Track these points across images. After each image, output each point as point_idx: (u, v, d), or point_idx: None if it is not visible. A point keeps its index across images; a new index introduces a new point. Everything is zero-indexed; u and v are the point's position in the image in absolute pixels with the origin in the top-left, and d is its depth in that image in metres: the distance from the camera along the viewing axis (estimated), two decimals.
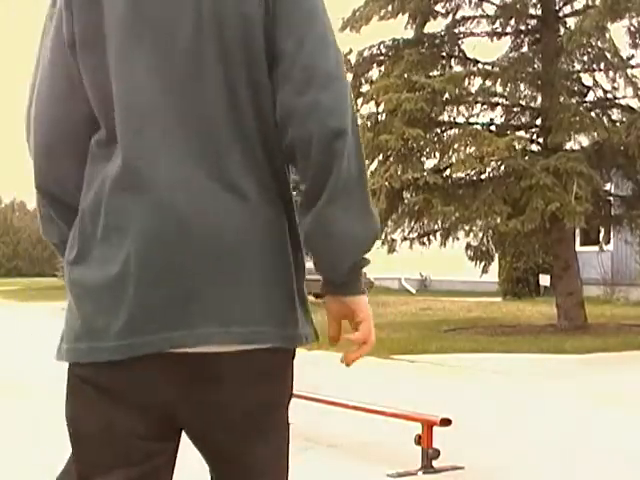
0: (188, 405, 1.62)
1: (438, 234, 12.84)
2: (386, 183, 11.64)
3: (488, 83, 12.61)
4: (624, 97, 12.63)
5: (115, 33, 1.60)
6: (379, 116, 12.33)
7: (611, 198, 13.49)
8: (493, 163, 11.87)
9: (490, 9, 13.04)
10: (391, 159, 12.00)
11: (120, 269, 1.54)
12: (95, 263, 1.59)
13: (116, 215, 1.57)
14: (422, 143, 11.87)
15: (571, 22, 12.62)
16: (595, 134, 11.83)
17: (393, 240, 12.72)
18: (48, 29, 1.70)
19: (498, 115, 13.17)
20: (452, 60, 13.24)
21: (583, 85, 12.92)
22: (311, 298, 1.73)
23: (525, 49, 13.11)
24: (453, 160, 12.08)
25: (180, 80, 1.59)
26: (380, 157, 12.24)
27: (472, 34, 13.22)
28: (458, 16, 13.13)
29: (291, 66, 1.58)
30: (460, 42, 13.26)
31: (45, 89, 1.74)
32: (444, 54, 13.24)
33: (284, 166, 1.71)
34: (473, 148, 11.62)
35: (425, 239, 13.08)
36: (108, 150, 1.61)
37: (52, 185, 1.72)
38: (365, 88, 12.98)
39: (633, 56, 12.41)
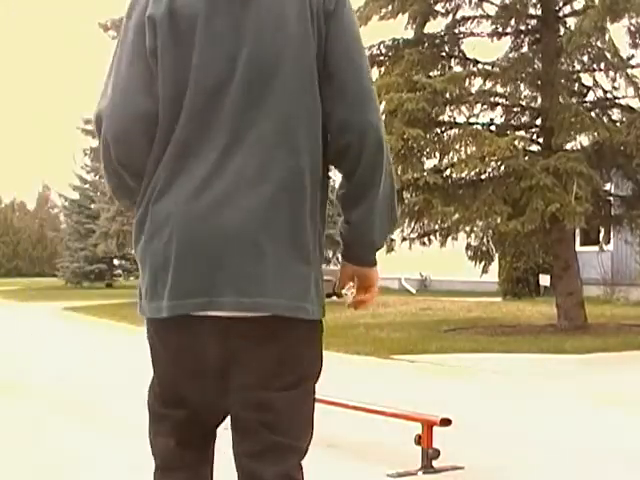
0: (217, 351, 2.05)
1: (438, 234, 12.84)
2: None
3: (488, 83, 12.61)
4: (624, 97, 12.63)
5: (194, 55, 2.01)
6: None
7: (611, 198, 13.49)
8: (493, 163, 11.86)
9: (490, 9, 13.04)
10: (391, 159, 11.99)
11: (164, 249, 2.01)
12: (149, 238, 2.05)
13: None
14: (422, 143, 11.86)
15: (571, 22, 12.61)
16: (595, 134, 11.82)
17: (392, 240, 12.71)
18: (126, 38, 2.10)
19: (498, 115, 13.16)
20: (452, 60, 13.23)
21: (583, 85, 12.92)
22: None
23: (525, 49, 13.10)
24: (454, 160, 12.06)
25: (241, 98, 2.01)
26: None
27: (472, 34, 13.22)
28: (458, 16, 13.12)
29: (344, 89, 2.04)
30: (460, 42, 13.26)
31: (123, 85, 2.05)
32: (444, 54, 13.23)
33: (317, 165, 2.08)
34: (474, 148, 11.61)
35: (425, 239, 13.07)
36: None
37: (131, 160, 2.08)
38: None
39: (633, 56, 12.40)
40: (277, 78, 2.01)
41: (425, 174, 11.86)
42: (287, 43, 2.01)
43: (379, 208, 2.13)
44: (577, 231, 14.58)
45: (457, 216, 11.95)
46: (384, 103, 12.11)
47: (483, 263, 13.14)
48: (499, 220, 11.66)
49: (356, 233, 2.18)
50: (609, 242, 15.56)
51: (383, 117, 12.14)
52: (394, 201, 2.19)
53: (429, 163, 12.53)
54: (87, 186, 37.50)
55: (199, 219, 1.97)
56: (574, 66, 12.61)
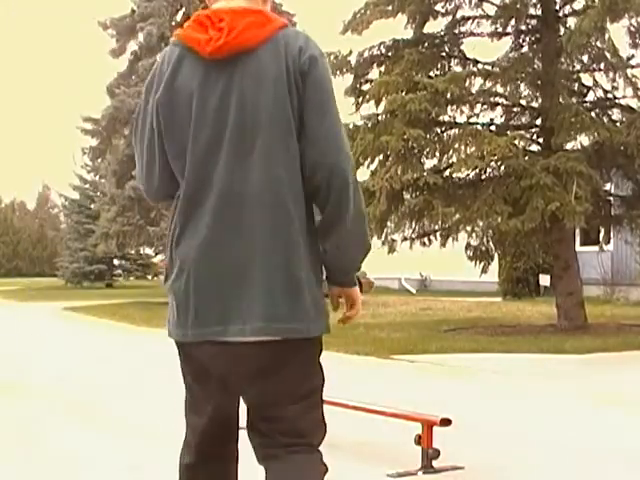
0: (232, 374, 2.47)
1: (438, 234, 12.83)
2: (386, 184, 11.62)
3: (488, 83, 12.60)
4: (624, 97, 12.63)
5: (191, 124, 2.46)
6: (379, 117, 12.30)
7: (611, 198, 13.48)
8: (493, 163, 11.85)
9: (490, 9, 13.03)
10: (391, 159, 11.98)
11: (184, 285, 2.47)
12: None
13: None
14: (422, 143, 11.85)
15: (571, 22, 12.60)
16: (595, 134, 11.81)
17: (393, 241, 12.71)
18: (145, 121, 2.57)
19: (498, 115, 13.16)
20: (452, 60, 13.23)
21: (583, 85, 12.91)
22: None
23: (525, 49, 13.10)
24: (454, 160, 12.06)
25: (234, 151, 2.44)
26: (380, 157, 12.22)
27: (472, 34, 13.21)
28: (458, 16, 13.12)
29: (316, 136, 2.43)
30: (460, 42, 13.25)
31: (147, 170, 2.60)
32: (444, 54, 13.23)
33: (302, 202, 2.46)
34: (474, 148, 11.61)
35: (425, 239, 13.07)
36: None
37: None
38: (366, 87, 12.96)
39: (633, 56, 12.40)
40: (259, 137, 2.43)
41: (425, 174, 11.85)
42: (267, 105, 2.43)
43: (347, 240, 2.50)
44: (577, 231, 14.57)
45: (457, 216, 11.95)
46: (385, 103, 12.11)
47: (483, 263, 13.14)
48: (499, 220, 11.65)
49: (329, 260, 2.54)
50: (609, 242, 15.55)
51: (384, 117, 12.16)
52: (364, 234, 2.55)
53: (429, 163, 12.53)
54: (87, 186, 37.50)
55: (208, 262, 2.42)
56: (574, 66, 12.60)
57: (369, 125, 12.23)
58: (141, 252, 33.20)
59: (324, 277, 2.57)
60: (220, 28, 2.48)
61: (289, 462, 2.47)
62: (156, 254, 29.50)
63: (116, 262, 37.17)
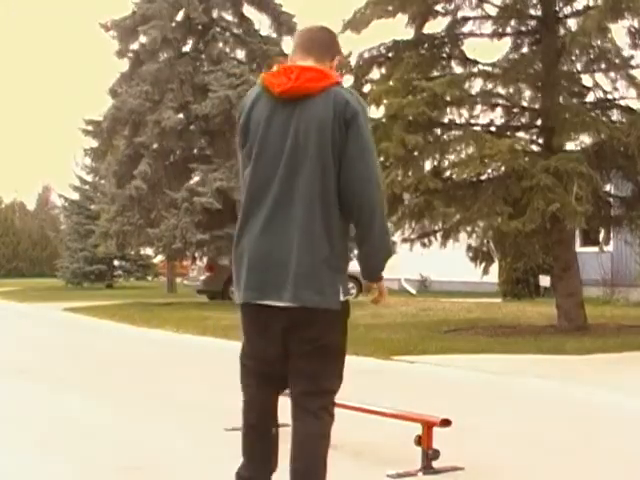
0: (269, 325, 3.51)
1: (439, 235, 12.83)
2: (387, 190, 11.61)
3: (489, 84, 12.59)
4: (623, 98, 12.62)
5: (256, 145, 3.47)
6: (379, 122, 12.27)
7: (611, 199, 13.47)
8: (493, 164, 11.84)
9: (491, 10, 13.03)
10: (390, 160, 11.97)
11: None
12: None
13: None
14: (422, 148, 11.83)
15: (571, 23, 12.61)
16: (596, 135, 11.80)
17: (393, 242, 12.71)
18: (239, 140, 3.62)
19: (498, 116, 13.15)
20: (452, 61, 13.22)
21: (583, 86, 12.91)
22: None
23: (525, 50, 13.09)
24: (455, 161, 12.04)
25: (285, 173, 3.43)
26: (381, 159, 12.21)
27: (473, 35, 13.20)
28: (458, 16, 13.11)
29: (353, 176, 3.38)
30: (460, 43, 13.24)
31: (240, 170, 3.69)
32: (444, 55, 13.22)
33: (334, 218, 3.45)
34: (474, 150, 11.60)
35: (425, 240, 13.06)
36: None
37: None
38: (366, 88, 12.95)
39: (633, 57, 12.39)
40: (305, 165, 3.39)
41: (426, 178, 11.81)
42: (315, 138, 3.37)
43: (373, 250, 3.51)
44: (577, 232, 14.57)
45: (458, 217, 11.94)
46: (383, 108, 12.10)
47: (484, 264, 13.14)
48: (499, 220, 11.64)
49: (362, 263, 3.58)
50: (609, 243, 15.55)
51: (383, 122, 12.15)
52: (386, 246, 3.54)
53: (429, 165, 12.51)
54: (87, 187, 37.49)
55: (257, 252, 3.50)
56: (575, 67, 12.60)
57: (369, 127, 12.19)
58: (141, 253, 33.18)
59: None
60: (289, 77, 3.43)
61: (316, 401, 3.51)
62: (156, 255, 29.47)
63: (116, 263, 37.15)
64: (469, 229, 12.35)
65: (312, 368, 3.46)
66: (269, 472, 3.74)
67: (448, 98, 11.85)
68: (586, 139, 12.22)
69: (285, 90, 3.41)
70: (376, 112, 12.47)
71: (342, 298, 3.47)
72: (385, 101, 11.83)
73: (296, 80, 3.40)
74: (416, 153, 11.92)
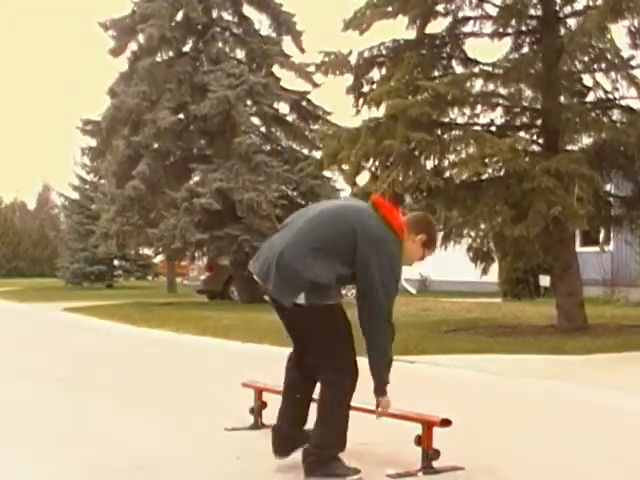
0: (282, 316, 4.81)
1: (439, 235, 12.81)
2: (389, 189, 11.59)
3: (489, 84, 12.58)
4: (624, 98, 12.61)
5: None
6: (381, 120, 12.25)
7: (611, 199, 13.46)
8: (494, 165, 11.82)
9: (491, 10, 13.02)
10: (393, 163, 11.95)
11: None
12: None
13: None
14: (425, 146, 11.81)
15: (571, 22, 12.59)
16: (596, 135, 11.79)
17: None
18: None
19: (499, 116, 13.13)
20: (453, 61, 13.21)
21: (584, 85, 12.89)
22: None
23: (526, 50, 13.08)
24: (455, 161, 12.02)
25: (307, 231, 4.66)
26: (382, 158, 12.20)
27: (473, 35, 13.19)
28: (459, 17, 13.10)
29: (367, 270, 4.54)
30: (461, 43, 13.23)
31: None
32: (445, 55, 13.20)
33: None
34: (475, 150, 11.58)
35: None
36: None
37: None
38: (366, 88, 12.94)
39: (633, 56, 12.37)
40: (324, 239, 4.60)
41: (427, 178, 11.80)
42: (333, 234, 4.57)
43: (372, 348, 4.67)
44: (577, 232, 14.56)
45: (460, 220, 11.92)
46: (386, 107, 12.08)
47: (484, 264, 13.13)
48: (500, 220, 11.63)
49: (370, 367, 4.69)
50: (609, 243, 15.54)
51: (385, 120, 12.11)
52: (385, 349, 4.72)
53: (430, 165, 12.49)
54: (87, 186, 37.48)
55: (263, 257, 4.70)
56: (575, 67, 12.58)
57: (371, 128, 12.18)
58: (141, 253, 33.19)
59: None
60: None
61: (323, 385, 4.68)
62: (156, 255, 29.46)
63: (116, 263, 37.15)
64: (473, 234, 12.34)
65: (316, 344, 4.72)
66: (293, 425, 4.90)
67: (450, 98, 11.84)
68: (586, 140, 12.20)
69: None
70: (377, 112, 12.48)
71: (303, 302, 4.50)
72: (388, 102, 11.80)
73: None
74: (417, 152, 11.89)
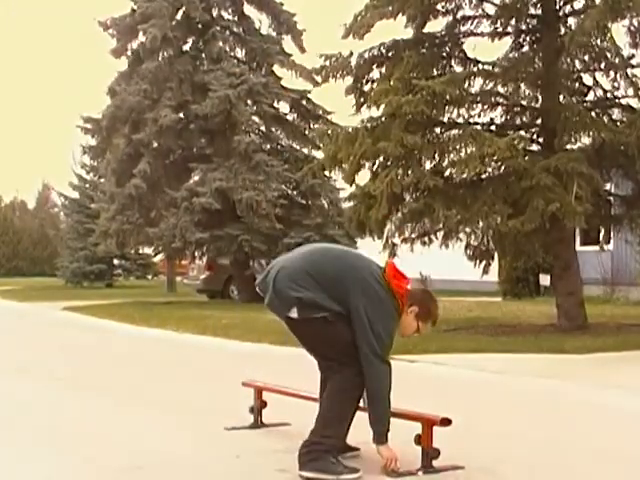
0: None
1: (439, 234, 12.81)
2: (387, 188, 11.59)
3: (489, 83, 12.57)
4: (624, 97, 12.60)
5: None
6: (378, 121, 12.25)
7: (611, 198, 13.46)
8: (493, 163, 11.82)
9: (490, 9, 13.01)
10: (389, 162, 11.95)
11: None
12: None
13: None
14: (421, 148, 11.80)
15: (571, 22, 12.58)
16: (596, 134, 11.79)
17: (394, 245, 12.69)
18: None
19: (498, 115, 13.13)
20: (453, 60, 13.20)
21: (583, 85, 12.89)
22: None
23: (526, 49, 13.07)
24: (454, 160, 12.01)
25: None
26: (381, 159, 12.19)
27: (473, 34, 13.18)
28: (458, 16, 13.09)
29: (358, 313, 4.73)
30: (461, 42, 13.22)
31: None
32: (444, 54, 13.19)
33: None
34: (474, 148, 11.57)
35: (426, 239, 13.04)
36: None
37: None
38: (366, 88, 12.93)
39: (633, 56, 12.37)
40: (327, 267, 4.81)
41: (425, 176, 11.79)
42: (332, 273, 4.77)
43: (371, 397, 4.76)
44: (577, 231, 14.55)
45: (458, 217, 11.92)
46: (383, 107, 12.07)
47: (483, 263, 13.12)
48: (499, 220, 11.63)
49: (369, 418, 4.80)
50: (609, 242, 15.54)
51: (382, 121, 12.10)
52: (385, 400, 4.76)
53: (429, 164, 12.48)
54: (87, 185, 37.46)
55: (267, 272, 4.91)
56: (575, 66, 12.57)
57: (368, 128, 12.17)
58: (141, 252, 33.16)
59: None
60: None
61: (330, 381, 4.81)
62: (155, 254, 29.45)
63: (116, 262, 37.11)
64: (469, 230, 12.33)
65: (317, 347, 4.95)
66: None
67: (447, 97, 11.83)
68: (586, 139, 12.20)
69: None
70: (376, 111, 12.47)
71: (295, 316, 4.71)
72: (384, 100, 11.79)
73: None
74: (416, 154, 11.89)
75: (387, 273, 4.86)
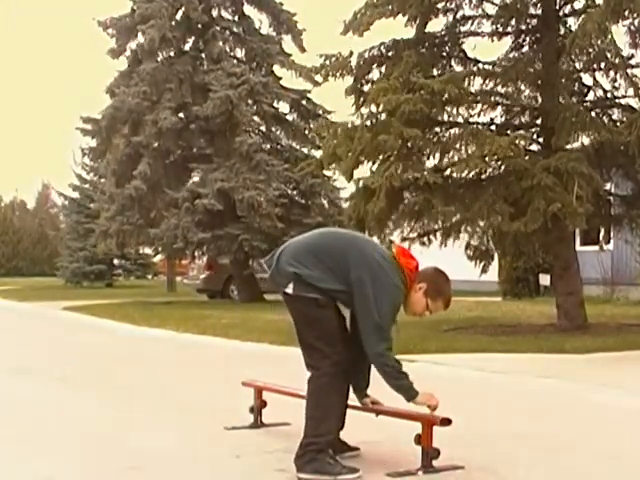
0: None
1: (438, 234, 12.81)
2: (386, 182, 11.59)
3: (489, 83, 12.57)
4: (624, 97, 12.60)
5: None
6: (378, 116, 12.25)
7: (611, 198, 13.46)
8: (494, 163, 11.82)
9: (491, 9, 13.01)
10: (391, 158, 11.96)
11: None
12: None
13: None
14: (421, 144, 11.81)
15: (571, 22, 12.59)
16: (596, 134, 11.79)
17: (391, 242, 12.68)
18: None
19: (498, 115, 13.13)
20: (452, 60, 13.20)
21: (583, 85, 12.89)
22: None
23: (526, 49, 13.07)
24: (455, 159, 12.02)
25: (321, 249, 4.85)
26: (380, 157, 12.20)
27: (473, 34, 13.18)
28: (458, 15, 13.09)
29: (360, 323, 4.76)
30: (461, 42, 13.22)
31: None
32: (444, 54, 13.19)
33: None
34: (474, 147, 11.58)
35: (425, 239, 13.05)
36: None
37: None
38: (366, 88, 12.92)
39: (633, 56, 12.37)
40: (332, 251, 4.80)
41: (425, 174, 11.81)
42: (338, 251, 4.80)
43: (389, 383, 4.78)
44: (577, 231, 14.55)
45: (458, 216, 11.92)
46: (382, 105, 12.07)
47: (483, 263, 13.12)
48: (500, 219, 11.62)
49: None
50: (609, 242, 15.53)
51: (382, 117, 12.10)
52: (395, 384, 4.75)
53: (429, 163, 12.49)
54: (87, 185, 37.47)
55: (278, 251, 5.00)
56: (575, 66, 12.58)
57: (367, 124, 12.18)
58: (141, 252, 33.17)
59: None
60: None
61: (310, 380, 4.78)
62: (155, 254, 29.46)
63: (116, 262, 37.15)
64: (469, 229, 12.33)
65: (306, 338, 4.88)
66: None
67: (446, 96, 11.83)
68: (586, 139, 12.20)
69: None
70: (375, 109, 12.45)
71: (290, 292, 4.75)
72: (383, 97, 11.77)
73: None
74: (416, 150, 11.89)
75: (396, 252, 4.88)
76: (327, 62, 12.75)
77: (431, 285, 4.86)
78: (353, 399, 5.07)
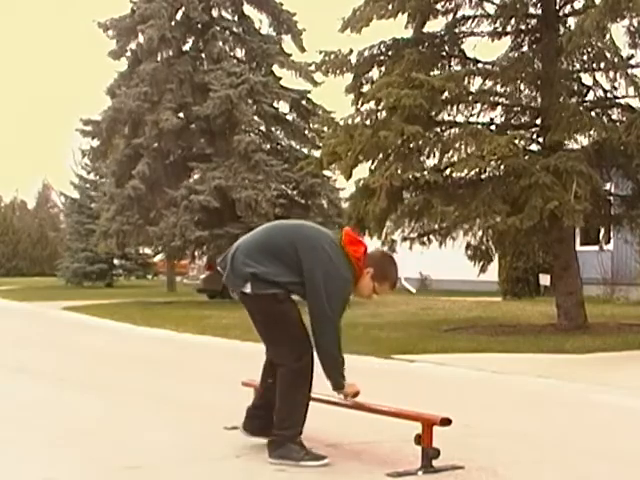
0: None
1: (437, 233, 12.82)
2: (386, 182, 11.59)
3: (488, 83, 12.58)
4: (624, 97, 12.60)
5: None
6: (378, 114, 12.26)
7: (611, 197, 13.46)
8: (493, 162, 11.82)
9: (490, 9, 13.01)
10: (391, 158, 11.97)
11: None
12: None
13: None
14: (421, 142, 11.82)
15: (571, 22, 12.58)
16: (595, 134, 11.79)
17: (393, 241, 12.69)
18: None
19: (498, 115, 13.13)
20: (452, 60, 13.21)
21: (583, 85, 12.89)
22: None
23: (525, 49, 13.08)
24: (454, 159, 12.02)
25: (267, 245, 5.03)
26: (380, 156, 12.20)
27: (472, 34, 13.19)
28: (458, 15, 13.10)
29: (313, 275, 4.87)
30: (460, 42, 13.23)
31: None
32: (444, 54, 13.20)
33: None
34: (474, 147, 11.58)
35: (425, 239, 13.05)
36: None
37: None
38: (366, 88, 12.94)
39: (633, 56, 12.37)
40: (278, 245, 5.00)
41: (425, 173, 11.81)
42: (285, 243, 4.96)
43: (322, 359, 4.89)
44: (577, 231, 14.56)
45: (457, 215, 11.92)
46: (383, 99, 12.07)
47: (482, 263, 13.12)
48: (498, 219, 11.63)
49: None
50: (609, 242, 15.54)
51: (382, 114, 12.10)
52: (336, 357, 4.92)
53: (429, 162, 12.50)
54: (87, 185, 37.45)
55: (230, 252, 5.15)
56: (574, 66, 12.58)
57: (368, 122, 12.18)
58: (141, 252, 33.15)
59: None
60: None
61: (277, 379, 4.96)
62: (155, 254, 29.45)
63: (116, 262, 37.12)
64: (467, 227, 12.34)
65: (265, 336, 5.13)
66: (259, 407, 5.27)
67: (447, 94, 11.83)
68: (584, 139, 12.21)
69: None
70: (375, 106, 12.45)
71: (249, 291, 4.93)
72: (384, 91, 11.77)
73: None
74: (415, 148, 11.89)
75: (343, 240, 4.98)
76: (327, 58, 12.77)
77: (378, 269, 5.03)
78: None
